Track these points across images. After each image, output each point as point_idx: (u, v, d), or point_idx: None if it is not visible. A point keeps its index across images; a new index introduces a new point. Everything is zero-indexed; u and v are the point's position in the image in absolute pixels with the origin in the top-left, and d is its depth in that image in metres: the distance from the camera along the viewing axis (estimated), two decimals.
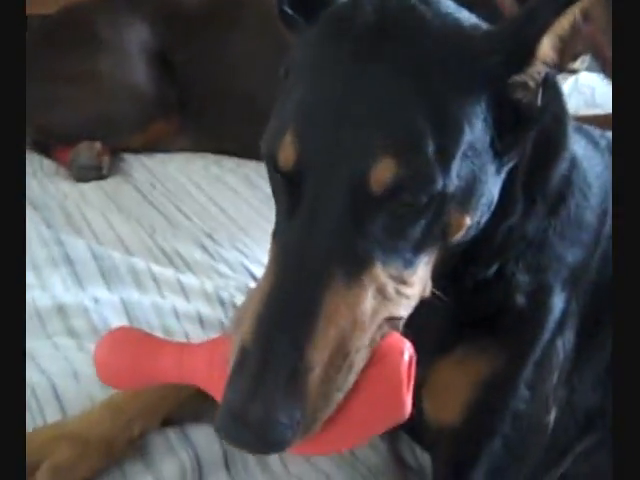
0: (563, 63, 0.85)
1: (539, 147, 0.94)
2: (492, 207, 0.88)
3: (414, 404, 1.02)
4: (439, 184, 0.78)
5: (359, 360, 0.78)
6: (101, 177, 2.01)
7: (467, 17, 0.87)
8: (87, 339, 1.30)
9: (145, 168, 2.09)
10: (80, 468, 1.01)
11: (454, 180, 0.80)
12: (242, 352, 0.76)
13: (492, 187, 0.86)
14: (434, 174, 0.78)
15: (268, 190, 0.87)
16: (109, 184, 1.98)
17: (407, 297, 0.83)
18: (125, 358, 0.89)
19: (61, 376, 1.18)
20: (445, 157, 0.79)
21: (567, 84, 2.60)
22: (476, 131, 0.82)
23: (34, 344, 1.27)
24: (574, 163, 1.01)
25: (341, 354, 0.77)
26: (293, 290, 0.77)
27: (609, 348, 1.04)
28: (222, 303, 1.46)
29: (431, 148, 0.78)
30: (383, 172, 0.77)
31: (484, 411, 0.98)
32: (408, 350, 0.80)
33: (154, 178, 2.03)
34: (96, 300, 1.40)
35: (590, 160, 1.05)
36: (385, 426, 0.82)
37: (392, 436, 1.18)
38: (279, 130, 0.81)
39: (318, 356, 0.75)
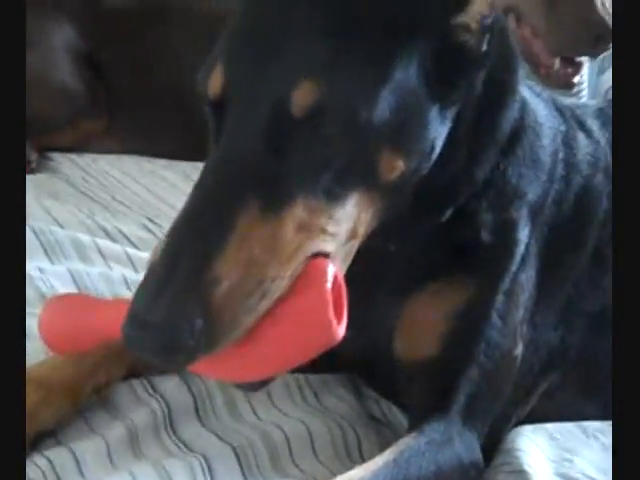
0: None
1: (488, 92, 0.94)
2: (434, 154, 0.88)
3: (381, 347, 1.01)
4: (362, 113, 0.79)
5: (275, 289, 0.76)
6: (29, 172, 1.92)
7: None
8: (34, 306, 1.22)
9: (75, 164, 2.01)
10: (43, 413, 0.95)
11: (382, 113, 0.80)
12: (151, 266, 0.75)
13: (434, 133, 0.86)
14: (356, 101, 0.79)
15: None
16: (39, 178, 1.90)
17: (332, 234, 0.81)
18: (69, 320, 0.86)
19: None
20: (369, 87, 0.80)
21: None
22: (410, 69, 0.82)
23: None
24: (524, 105, 1.03)
25: (254, 278, 0.75)
26: (206, 212, 0.77)
27: (567, 289, 1.08)
28: None
29: (354, 76, 0.79)
30: (304, 95, 0.78)
31: (460, 340, 0.98)
32: (332, 274, 0.79)
33: (86, 174, 1.96)
34: (41, 270, 1.33)
35: (537, 104, 1.07)
36: (314, 351, 0.80)
37: (357, 391, 1.15)
38: (210, 63, 0.83)
39: (226, 270, 0.74)
